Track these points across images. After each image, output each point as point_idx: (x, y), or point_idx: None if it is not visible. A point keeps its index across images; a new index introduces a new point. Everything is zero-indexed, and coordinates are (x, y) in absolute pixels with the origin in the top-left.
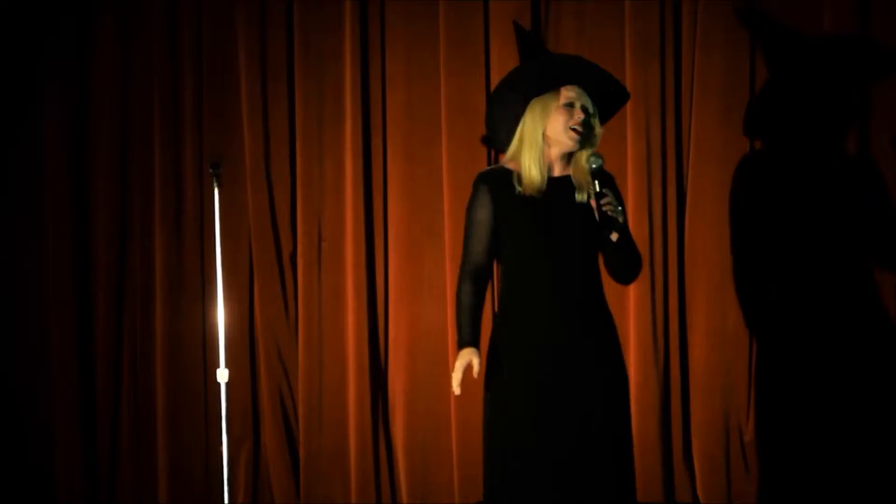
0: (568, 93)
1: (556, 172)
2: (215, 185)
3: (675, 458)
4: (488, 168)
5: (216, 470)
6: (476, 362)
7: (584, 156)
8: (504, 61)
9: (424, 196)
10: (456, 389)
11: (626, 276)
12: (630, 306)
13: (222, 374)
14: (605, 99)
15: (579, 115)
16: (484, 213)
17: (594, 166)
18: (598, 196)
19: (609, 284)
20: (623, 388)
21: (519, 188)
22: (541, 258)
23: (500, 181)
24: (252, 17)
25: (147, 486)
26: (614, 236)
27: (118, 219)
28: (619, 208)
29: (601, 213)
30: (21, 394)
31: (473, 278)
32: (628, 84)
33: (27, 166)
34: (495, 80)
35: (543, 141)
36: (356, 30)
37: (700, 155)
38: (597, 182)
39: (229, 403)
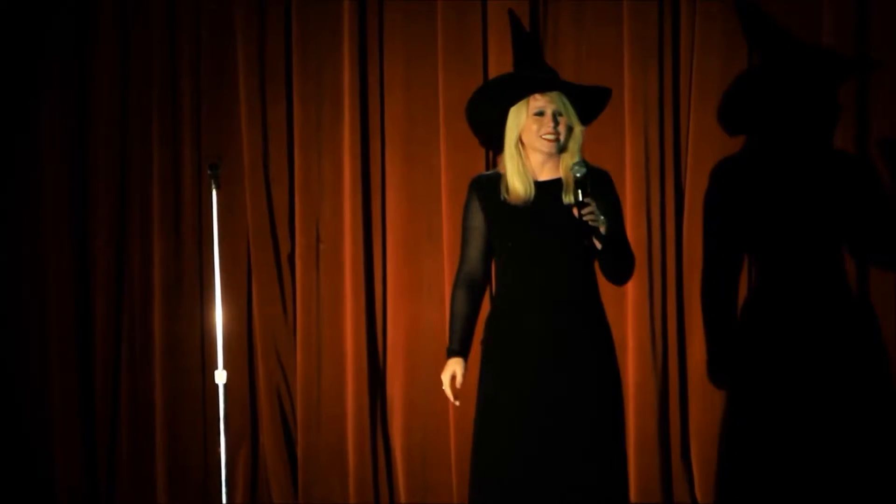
0: (535, 102)
1: (544, 176)
2: (213, 185)
3: (673, 459)
4: (482, 173)
5: (215, 470)
6: (460, 373)
7: (568, 160)
8: (502, 63)
9: (423, 197)
10: (455, 402)
11: (616, 278)
12: (628, 307)
13: (220, 376)
14: (588, 99)
15: (549, 124)
16: (476, 220)
17: (578, 175)
18: (580, 205)
19: (608, 286)
20: (614, 389)
21: (505, 195)
22: (529, 263)
23: (490, 187)
24: (251, 17)
25: (146, 486)
26: (598, 243)
27: (117, 219)
28: (602, 217)
29: (582, 222)
30: (20, 394)
31: (467, 285)
32: (626, 85)
33: (26, 166)
34: None
35: (523, 149)
36: (354, 31)
37: (698, 156)
38: (580, 191)
39: (227, 404)
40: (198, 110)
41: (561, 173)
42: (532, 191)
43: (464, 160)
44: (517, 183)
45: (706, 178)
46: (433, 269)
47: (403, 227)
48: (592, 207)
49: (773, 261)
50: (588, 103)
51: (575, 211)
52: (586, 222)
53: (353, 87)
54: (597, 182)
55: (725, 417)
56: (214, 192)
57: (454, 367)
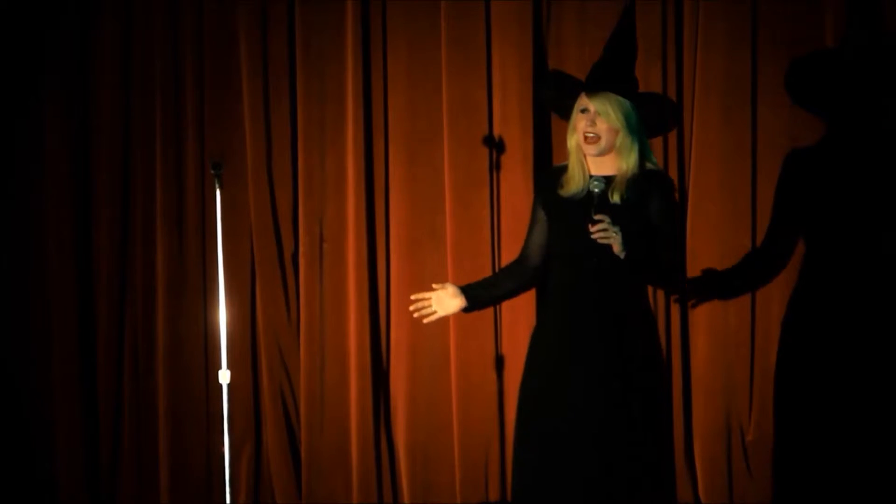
0: (581, 101)
1: (605, 171)
2: (217, 185)
3: (676, 458)
4: (553, 166)
5: (218, 470)
6: (446, 287)
7: (622, 163)
8: (505, 61)
9: (426, 196)
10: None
11: (653, 284)
12: None
13: (224, 375)
14: (647, 107)
15: (584, 121)
16: (539, 214)
17: (596, 191)
18: (592, 222)
19: None
20: (651, 392)
21: (560, 189)
22: (571, 261)
23: (551, 181)
24: (253, 16)
25: (148, 486)
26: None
27: (120, 219)
28: (615, 235)
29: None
30: (23, 394)
31: (517, 263)
32: None
33: (28, 166)
34: (497, 80)
35: (577, 145)
36: (358, 29)
37: (701, 155)
38: (593, 208)
39: (231, 404)
40: (201, 110)
41: (615, 171)
42: (585, 184)
43: (467, 158)
44: (572, 175)
45: (710, 175)
46: (437, 267)
47: (407, 226)
48: (605, 225)
49: (829, 253)
50: (651, 112)
51: (590, 227)
52: (596, 239)
53: (357, 85)
54: (650, 185)
55: (778, 420)
56: (218, 192)
57: (445, 286)
